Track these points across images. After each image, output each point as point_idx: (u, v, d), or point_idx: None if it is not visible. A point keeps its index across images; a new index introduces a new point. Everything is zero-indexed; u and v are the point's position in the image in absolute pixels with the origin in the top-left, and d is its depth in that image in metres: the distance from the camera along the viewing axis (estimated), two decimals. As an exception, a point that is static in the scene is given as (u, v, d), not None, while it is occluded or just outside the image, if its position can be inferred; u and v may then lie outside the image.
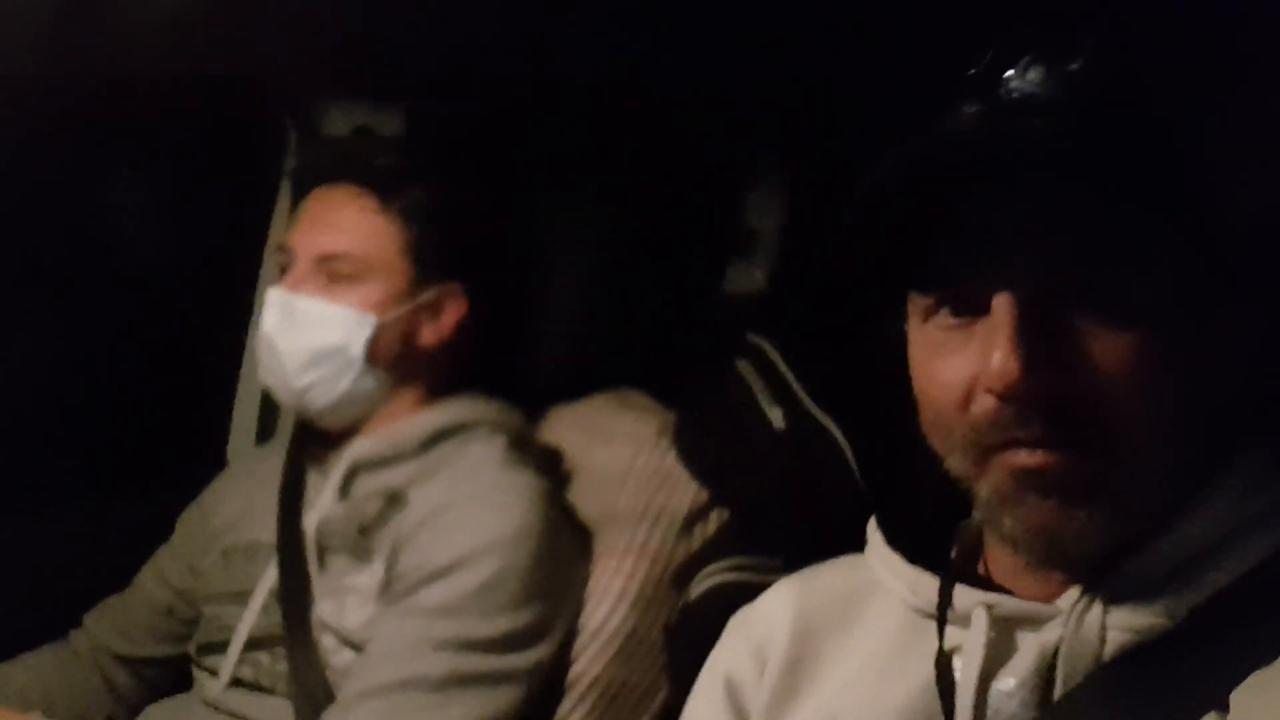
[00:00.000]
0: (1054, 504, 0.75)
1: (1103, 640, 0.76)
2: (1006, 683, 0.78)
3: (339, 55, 1.59)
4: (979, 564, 0.87)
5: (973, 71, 0.78)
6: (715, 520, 1.43)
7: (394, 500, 1.41)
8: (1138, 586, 0.77)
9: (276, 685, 1.40)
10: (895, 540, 0.89)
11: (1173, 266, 0.75)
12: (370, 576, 1.38)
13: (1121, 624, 0.76)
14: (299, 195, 1.53)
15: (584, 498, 1.48)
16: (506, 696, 1.33)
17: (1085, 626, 0.77)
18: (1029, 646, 0.78)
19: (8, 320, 1.57)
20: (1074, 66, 0.76)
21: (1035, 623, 0.79)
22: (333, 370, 1.43)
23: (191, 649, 1.50)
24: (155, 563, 1.57)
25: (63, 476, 1.60)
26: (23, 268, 1.59)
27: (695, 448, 1.45)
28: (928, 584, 0.84)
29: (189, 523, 1.58)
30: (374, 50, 1.56)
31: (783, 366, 1.41)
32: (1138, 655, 0.76)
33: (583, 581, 1.43)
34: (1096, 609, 0.77)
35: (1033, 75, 0.76)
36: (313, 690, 1.36)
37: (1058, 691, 0.77)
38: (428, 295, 1.46)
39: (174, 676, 1.54)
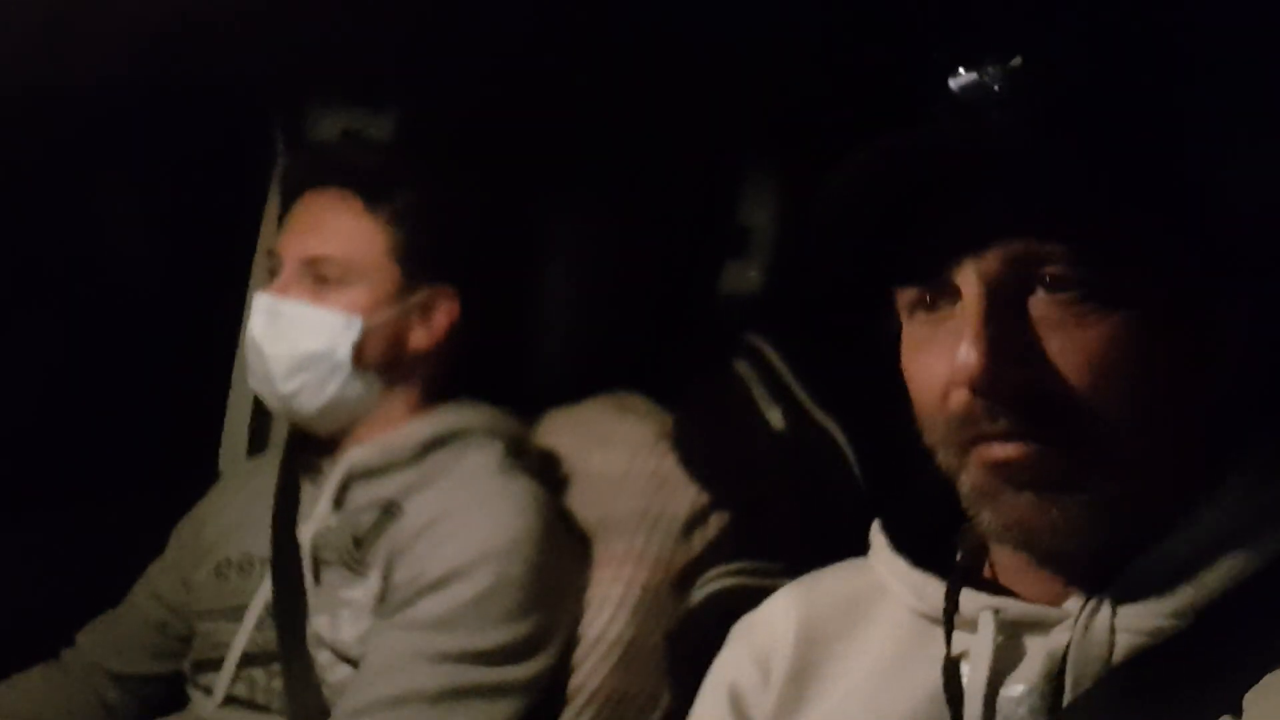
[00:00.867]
0: (1029, 498, 0.75)
1: (1112, 644, 0.76)
2: (1015, 688, 0.78)
3: (325, 60, 1.58)
4: (984, 567, 0.86)
5: (926, 73, 0.79)
6: (715, 524, 1.42)
7: (389, 511, 1.40)
8: (1146, 588, 0.76)
9: (272, 702, 1.38)
10: (899, 544, 0.88)
11: (1146, 260, 0.74)
12: (366, 589, 1.37)
13: (1130, 626, 0.75)
14: (287, 201, 1.52)
15: (582, 503, 1.47)
16: (506, 709, 1.32)
17: (1094, 630, 0.76)
18: (1037, 651, 0.78)
19: (-3, 329, 1.56)
20: (1015, 63, 0.76)
21: (1043, 626, 0.78)
22: (319, 374, 1.42)
23: (186, 666, 1.48)
24: (148, 578, 1.56)
25: (52, 489, 1.59)
26: (11, 277, 1.57)
27: (694, 451, 1.44)
28: (933, 588, 0.84)
29: (182, 536, 1.57)
30: (359, 54, 1.55)
31: (781, 367, 1.40)
32: (1148, 658, 0.75)
33: (581, 589, 1.41)
34: (1105, 612, 0.76)
35: (981, 74, 0.76)
36: (309, 707, 1.34)
37: (1067, 697, 0.76)
38: (417, 298, 1.45)
39: (168, 694, 1.52)
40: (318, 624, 1.38)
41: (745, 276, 1.64)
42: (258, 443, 1.75)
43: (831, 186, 0.78)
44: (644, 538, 1.42)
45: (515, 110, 1.61)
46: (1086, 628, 0.76)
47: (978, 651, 0.79)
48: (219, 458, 1.77)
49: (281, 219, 1.52)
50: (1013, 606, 0.79)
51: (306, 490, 1.47)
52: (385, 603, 1.35)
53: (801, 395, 1.38)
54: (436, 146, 1.58)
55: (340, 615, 1.37)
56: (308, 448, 1.50)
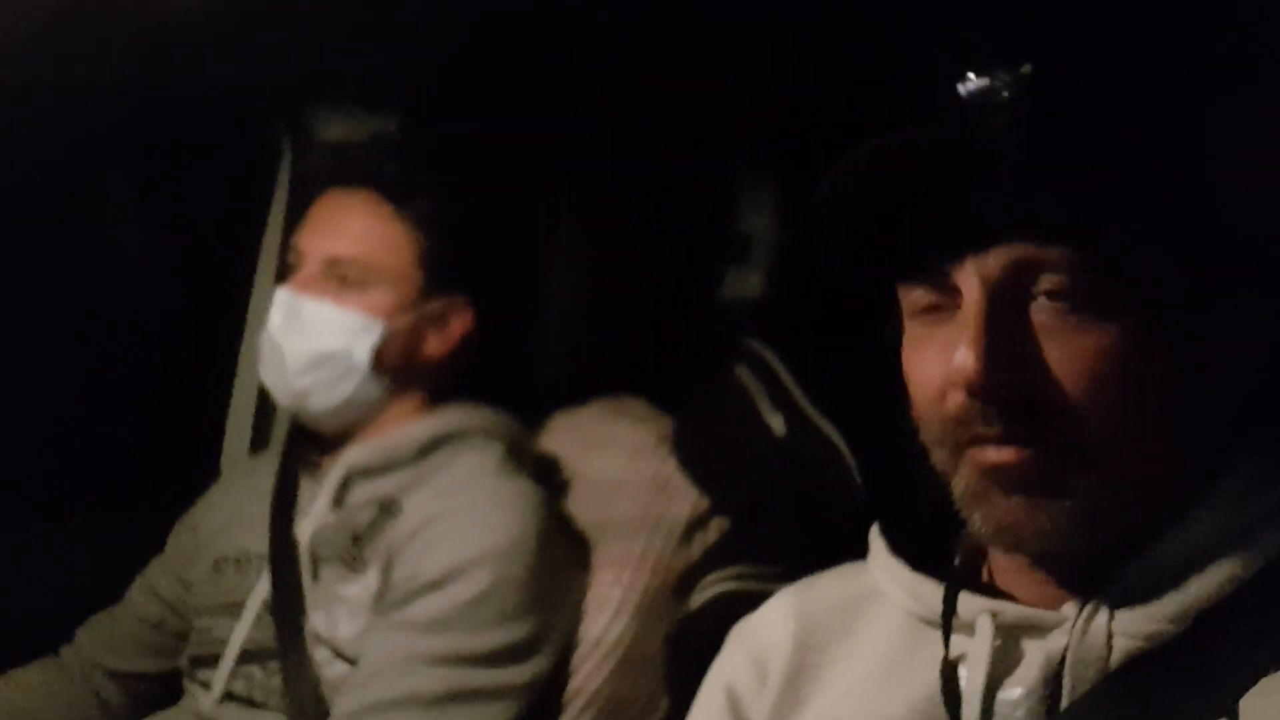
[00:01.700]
0: (1019, 502, 0.75)
1: (1109, 647, 0.76)
2: (1013, 692, 0.78)
3: (333, 62, 1.58)
4: (982, 570, 0.86)
5: (935, 77, 0.79)
6: (715, 528, 1.42)
7: (388, 509, 1.40)
8: (1143, 592, 0.76)
9: (269, 699, 1.38)
10: (898, 548, 0.88)
11: (1146, 266, 0.74)
12: (363, 587, 1.37)
13: (1127, 630, 0.76)
14: (303, 199, 1.51)
15: (581, 506, 1.47)
16: (503, 712, 1.32)
17: (1091, 634, 0.76)
18: (1035, 654, 0.78)
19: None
20: (1025, 70, 0.76)
21: (1041, 630, 0.79)
22: (334, 374, 1.42)
23: (183, 662, 1.48)
24: (145, 576, 1.56)
25: (55, 488, 1.59)
26: (15, 276, 1.58)
27: (695, 455, 1.44)
28: (931, 592, 0.84)
29: (180, 535, 1.56)
30: (367, 58, 1.55)
31: (782, 373, 1.40)
32: (1144, 662, 0.75)
33: (580, 592, 1.41)
34: (1102, 615, 0.76)
35: (991, 79, 0.76)
36: (306, 704, 1.34)
37: (1065, 700, 0.76)
38: (435, 306, 1.45)
39: (165, 691, 1.52)
40: (315, 621, 1.38)
41: (746, 282, 1.64)
42: (260, 442, 1.75)
43: (836, 179, 0.78)
44: (644, 541, 1.42)
45: (520, 119, 1.61)
46: (1084, 632, 0.76)
47: (975, 654, 0.79)
48: (221, 456, 1.77)
49: (291, 214, 1.52)
50: (1010, 610, 0.80)
51: (305, 488, 1.47)
52: (382, 601, 1.35)
53: (802, 401, 1.37)
54: (462, 155, 1.58)
55: (338, 612, 1.37)
56: (307, 445, 1.50)
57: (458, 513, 1.36)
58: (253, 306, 1.71)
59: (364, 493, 1.42)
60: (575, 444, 1.52)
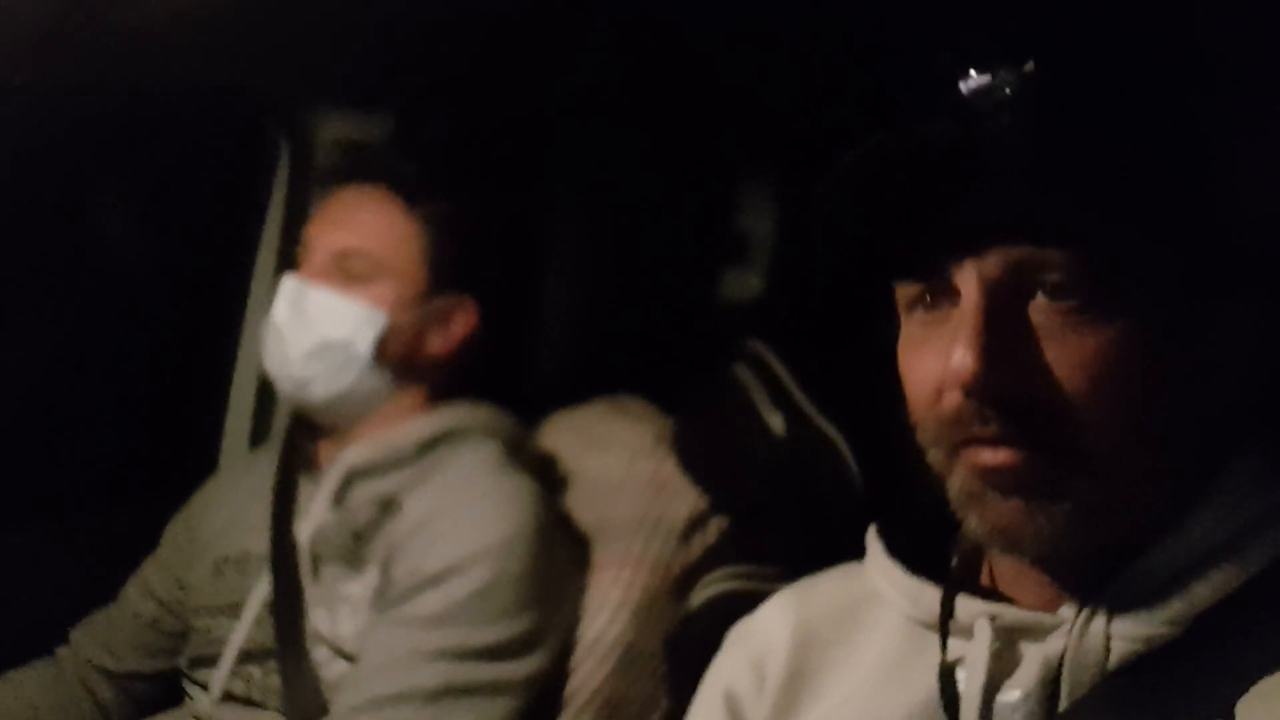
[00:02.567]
0: (1015, 504, 0.75)
1: (1107, 650, 0.76)
2: (1011, 695, 0.77)
3: (330, 62, 1.58)
4: (980, 573, 0.86)
5: (936, 74, 0.78)
6: (715, 528, 1.42)
7: (388, 507, 1.40)
8: (1140, 595, 0.76)
9: (268, 699, 1.38)
10: (895, 550, 0.88)
11: (1147, 267, 0.74)
12: (364, 585, 1.37)
13: (1125, 633, 0.75)
14: (308, 197, 1.53)
15: (580, 506, 1.47)
16: (503, 707, 1.32)
17: (1089, 636, 0.76)
18: (1033, 658, 0.78)
19: (-2, 328, 1.57)
20: (1027, 68, 0.76)
21: (1039, 633, 0.78)
22: (336, 364, 1.42)
23: (182, 663, 1.48)
24: (140, 576, 1.56)
25: (53, 486, 1.59)
26: (14, 274, 1.58)
27: (694, 455, 1.44)
28: (929, 595, 0.84)
29: (175, 534, 1.56)
30: (364, 59, 1.55)
31: (781, 372, 1.40)
32: (1142, 665, 0.75)
33: (580, 591, 1.42)
34: (1100, 618, 0.76)
35: (993, 77, 0.76)
36: (306, 704, 1.34)
37: (1063, 703, 0.76)
38: (439, 304, 1.45)
39: (162, 691, 1.52)
40: (316, 619, 1.38)
41: (745, 282, 1.64)
42: (259, 439, 1.75)
43: (836, 178, 0.78)
44: (643, 541, 1.42)
45: (519, 120, 1.61)
46: (1082, 635, 0.76)
47: (974, 658, 0.79)
48: (220, 454, 1.77)
49: (291, 212, 1.51)
50: (1008, 613, 0.79)
51: (304, 487, 1.47)
52: (383, 598, 1.35)
53: (801, 400, 1.38)
54: (472, 156, 1.58)
55: (339, 610, 1.37)
56: (306, 444, 1.50)
57: (457, 509, 1.37)
58: (251, 304, 1.71)
59: (364, 491, 1.42)
60: (575, 444, 1.52)
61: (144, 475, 1.67)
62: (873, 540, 0.90)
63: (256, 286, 1.71)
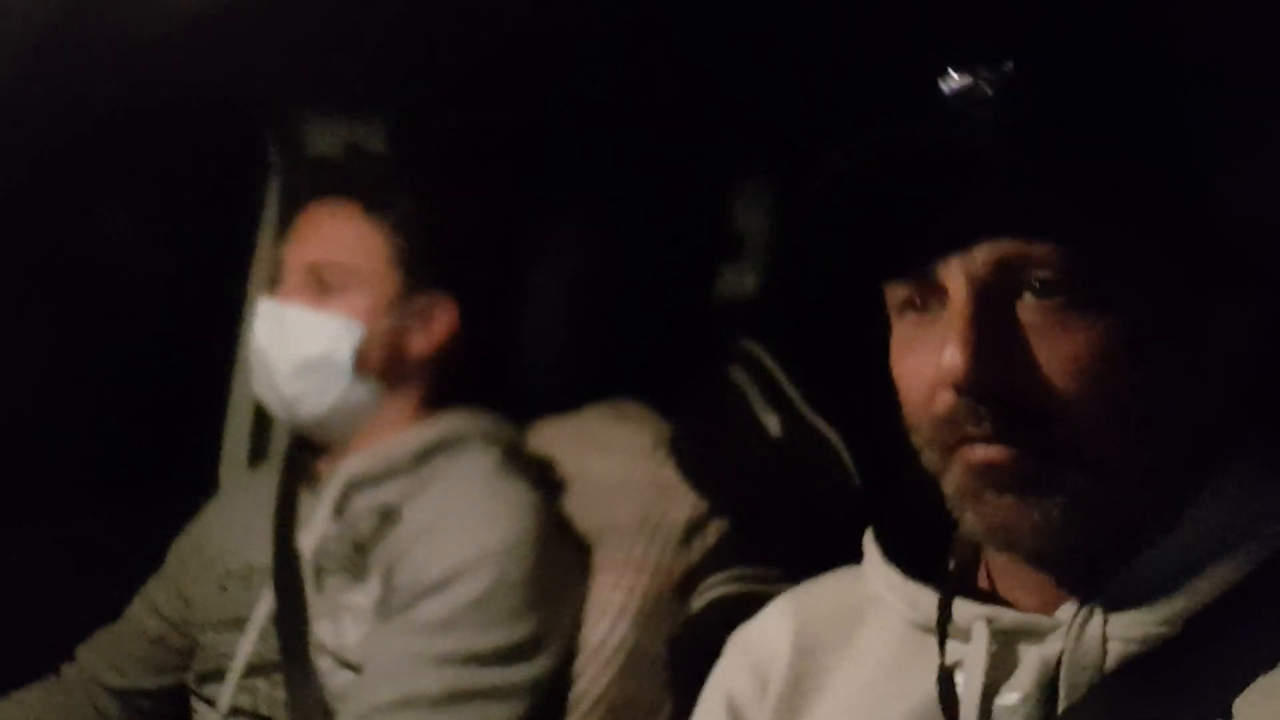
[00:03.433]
0: (1010, 501, 0.75)
1: (1104, 651, 0.76)
2: (1009, 697, 0.78)
3: (319, 70, 1.58)
4: (978, 575, 0.86)
5: (918, 74, 0.79)
6: (715, 531, 1.42)
7: (388, 516, 1.40)
8: (1137, 595, 0.76)
9: (275, 712, 1.39)
10: (892, 554, 0.88)
11: (1134, 263, 0.74)
12: (367, 594, 1.38)
13: (1122, 634, 0.76)
14: (290, 213, 1.53)
15: (580, 510, 1.47)
16: (508, 711, 1.32)
17: (1086, 638, 0.76)
18: (1031, 660, 0.78)
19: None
20: (1007, 67, 0.76)
21: (1036, 635, 0.78)
22: (321, 379, 1.43)
23: (190, 678, 1.49)
24: (145, 593, 1.56)
25: (53, 501, 1.59)
26: (10, 289, 1.58)
27: (692, 457, 1.44)
28: (926, 598, 0.84)
29: (180, 551, 1.57)
30: (355, 66, 1.55)
31: (778, 374, 1.40)
32: (1140, 665, 0.75)
33: (581, 594, 1.42)
34: (1097, 619, 0.76)
35: (973, 77, 0.76)
36: (311, 715, 1.35)
37: (1061, 704, 0.76)
38: (417, 305, 1.46)
39: (168, 708, 1.52)
40: (322, 631, 1.38)
41: (741, 282, 1.64)
42: (258, 455, 1.75)
43: (822, 180, 0.78)
44: (644, 545, 1.42)
45: (510, 118, 1.61)
46: (1079, 636, 0.76)
47: (972, 660, 0.79)
48: (220, 470, 1.78)
49: (282, 230, 1.53)
50: (1005, 615, 0.80)
51: (305, 499, 1.47)
52: (385, 605, 1.35)
53: (798, 402, 1.37)
54: (435, 155, 1.58)
55: (343, 620, 1.38)
56: (306, 457, 1.50)
57: (458, 516, 1.37)
58: (248, 317, 1.71)
59: (364, 501, 1.43)
60: (573, 448, 1.52)
61: (143, 490, 1.67)
62: (870, 544, 0.90)
63: (253, 300, 1.70)
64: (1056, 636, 0.77)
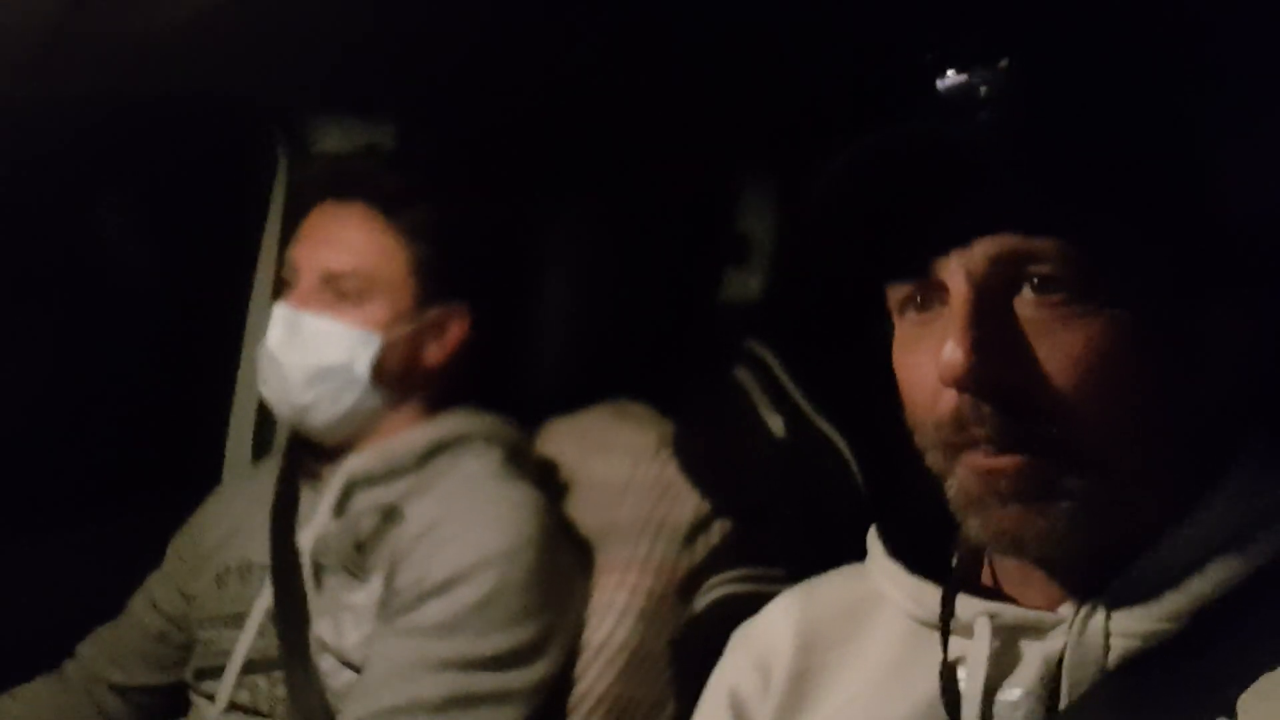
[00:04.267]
0: (1015, 509, 0.75)
1: (1107, 648, 0.76)
2: (1012, 693, 0.78)
3: (328, 72, 1.58)
4: (981, 572, 0.86)
5: (915, 74, 0.79)
6: (718, 531, 1.42)
7: (390, 516, 1.40)
8: (1140, 592, 0.76)
9: (275, 709, 1.38)
10: (896, 550, 0.88)
11: (1133, 260, 0.74)
12: (367, 594, 1.37)
13: (1125, 630, 0.75)
14: (298, 211, 1.51)
15: (584, 510, 1.47)
16: (510, 715, 1.32)
17: (1089, 634, 0.76)
18: (1033, 656, 0.78)
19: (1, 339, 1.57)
20: (1002, 65, 0.76)
21: (1039, 631, 0.78)
22: (335, 388, 1.42)
23: (188, 674, 1.48)
24: (146, 589, 1.56)
25: (58, 500, 1.59)
26: (15, 288, 1.58)
27: (695, 458, 1.44)
28: (930, 594, 0.84)
29: (179, 547, 1.56)
30: (363, 67, 1.55)
31: (782, 374, 1.40)
32: (1142, 662, 0.75)
33: (584, 596, 1.41)
34: (1099, 616, 0.76)
35: (969, 75, 0.76)
36: (313, 713, 1.34)
37: (1063, 701, 0.76)
38: (432, 314, 1.45)
39: (169, 704, 1.52)
40: (320, 629, 1.38)
41: (745, 284, 1.64)
42: (262, 450, 1.75)
43: (822, 183, 0.78)
44: (647, 545, 1.42)
45: (516, 122, 1.61)
46: (1081, 632, 0.76)
47: (974, 657, 0.79)
48: (223, 466, 1.77)
49: (287, 226, 1.52)
50: (1008, 612, 0.80)
51: (306, 496, 1.47)
52: (387, 607, 1.35)
53: (801, 402, 1.37)
54: (453, 162, 1.58)
55: (343, 620, 1.37)
56: (307, 454, 1.50)
57: (460, 518, 1.37)
58: (251, 315, 1.71)
59: (366, 500, 1.42)
60: (577, 448, 1.52)
61: (148, 488, 1.67)
62: (874, 541, 0.90)
63: (257, 297, 1.71)
64: (1059, 633, 0.77)
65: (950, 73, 0.77)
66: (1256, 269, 0.78)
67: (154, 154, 1.68)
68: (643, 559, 1.41)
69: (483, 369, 1.51)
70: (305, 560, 1.41)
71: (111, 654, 1.54)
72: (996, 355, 0.73)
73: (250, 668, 1.41)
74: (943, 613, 0.82)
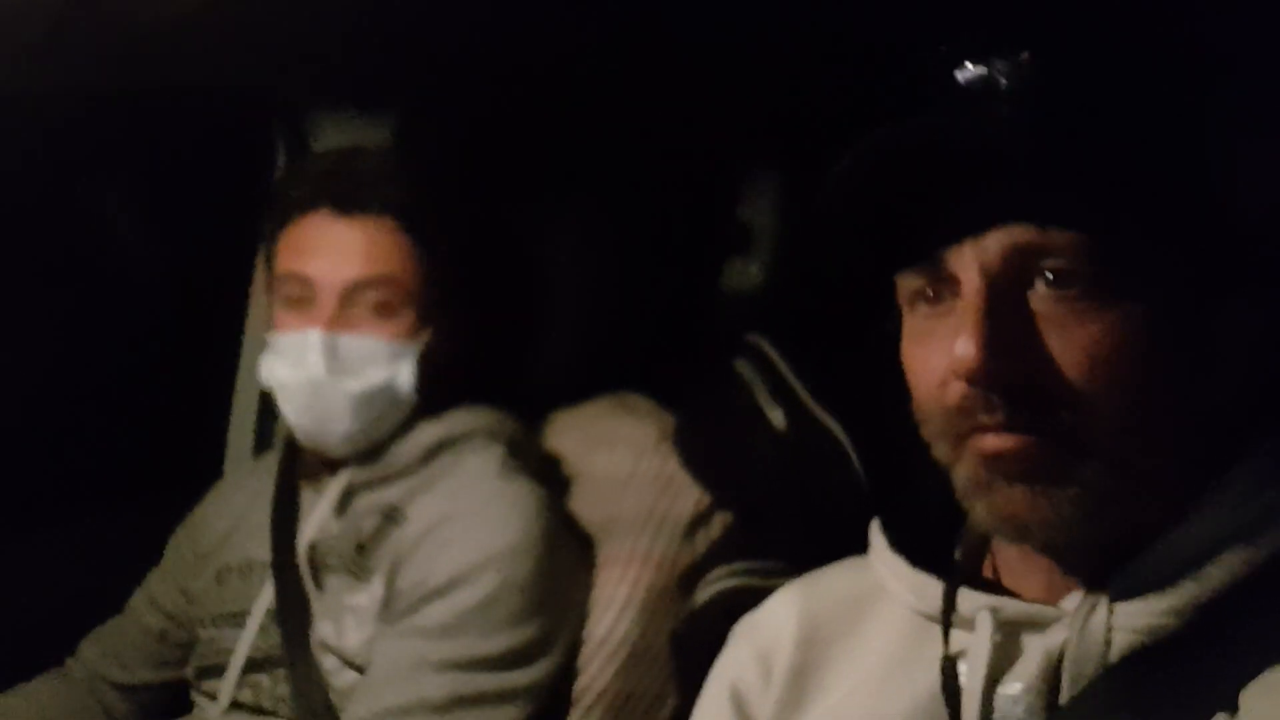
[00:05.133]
0: (1021, 491, 0.75)
1: (1108, 642, 0.76)
2: (1012, 687, 0.78)
3: (329, 66, 1.58)
4: (984, 566, 0.86)
5: (933, 66, 0.79)
6: (719, 524, 1.42)
7: (392, 516, 1.39)
8: (1143, 586, 0.76)
9: (278, 708, 1.38)
10: (898, 544, 0.88)
11: (1147, 254, 0.74)
12: (369, 596, 1.36)
13: (1127, 625, 0.75)
14: (283, 216, 1.43)
15: (585, 504, 1.47)
16: (512, 714, 1.31)
17: (1090, 628, 0.76)
18: (1035, 649, 0.78)
19: (-1, 334, 1.57)
20: (1023, 57, 0.76)
21: (1040, 625, 0.78)
22: (384, 408, 1.39)
23: (189, 672, 1.48)
24: (146, 587, 1.56)
25: (58, 495, 1.59)
26: (15, 281, 1.58)
27: (697, 451, 1.43)
28: (932, 588, 0.84)
29: (178, 544, 1.56)
30: (364, 62, 1.55)
31: (782, 366, 1.39)
32: (1144, 656, 0.75)
33: (585, 591, 1.41)
34: (1101, 610, 0.76)
35: (988, 68, 0.76)
36: (317, 712, 1.34)
37: (1064, 695, 0.76)
38: (449, 319, 1.43)
39: (171, 701, 1.52)
40: (323, 630, 1.37)
41: (747, 276, 1.64)
42: (263, 446, 1.74)
43: (837, 174, 0.78)
44: (648, 538, 1.41)
45: (517, 114, 1.61)
46: (1083, 626, 0.76)
47: (975, 650, 0.79)
48: (224, 462, 1.77)
49: (273, 222, 1.44)
50: (1010, 605, 0.79)
51: (306, 495, 1.46)
52: (389, 609, 1.34)
53: (803, 395, 1.37)
54: (457, 161, 1.56)
55: (345, 621, 1.37)
56: (306, 453, 1.48)
57: (462, 517, 1.36)
58: (252, 309, 1.71)
59: (367, 501, 1.41)
60: (578, 442, 1.52)
61: (149, 483, 1.67)
62: (876, 534, 0.90)
63: (257, 291, 1.70)
64: (1061, 626, 0.77)
65: (969, 64, 0.76)
66: (1270, 267, 0.78)
67: (155, 147, 1.67)
68: (644, 553, 1.41)
69: (487, 365, 1.51)
70: (305, 562, 1.40)
71: (113, 652, 1.54)
72: (1009, 350, 0.74)
73: (252, 666, 1.40)
74: (944, 606, 0.82)
